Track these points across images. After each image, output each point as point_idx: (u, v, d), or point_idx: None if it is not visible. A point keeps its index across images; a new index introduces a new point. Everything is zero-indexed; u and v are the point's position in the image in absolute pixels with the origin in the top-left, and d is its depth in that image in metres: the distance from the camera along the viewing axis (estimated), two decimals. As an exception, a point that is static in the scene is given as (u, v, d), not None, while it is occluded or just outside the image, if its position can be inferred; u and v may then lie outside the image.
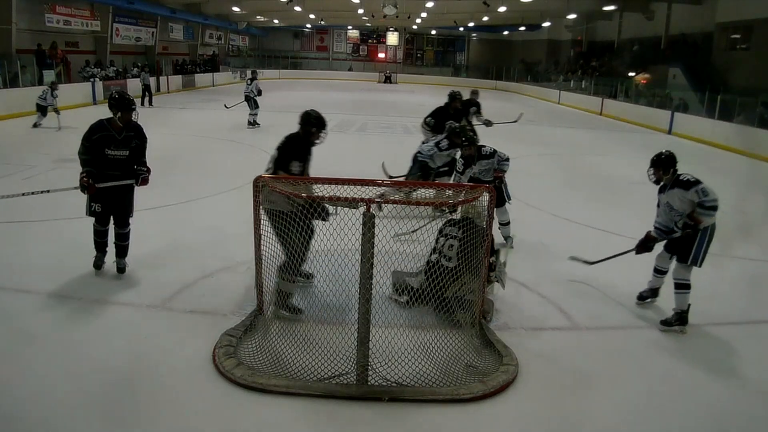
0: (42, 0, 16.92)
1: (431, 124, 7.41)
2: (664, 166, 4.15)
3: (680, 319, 4.08)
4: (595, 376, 3.50)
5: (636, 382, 3.47)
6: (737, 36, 19.25)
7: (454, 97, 7.78)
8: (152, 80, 22.67)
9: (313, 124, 4.10)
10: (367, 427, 2.97)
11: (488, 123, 9.97)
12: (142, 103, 17.16)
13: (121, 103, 4.30)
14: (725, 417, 3.19)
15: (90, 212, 4.45)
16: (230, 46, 35.89)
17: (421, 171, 6.51)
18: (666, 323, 4.11)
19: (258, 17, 32.80)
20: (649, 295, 4.54)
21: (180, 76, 24.90)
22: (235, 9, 28.12)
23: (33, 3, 16.71)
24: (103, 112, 4.51)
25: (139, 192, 4.66)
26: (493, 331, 3.90)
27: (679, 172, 4.15)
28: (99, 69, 19.38)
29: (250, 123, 13.64)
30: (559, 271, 4.98)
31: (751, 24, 18.15)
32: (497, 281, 4.26)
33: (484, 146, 5.58)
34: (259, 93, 13.63)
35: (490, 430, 2.99)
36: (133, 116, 4.39)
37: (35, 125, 12.45)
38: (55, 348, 3.52)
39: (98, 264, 4.63)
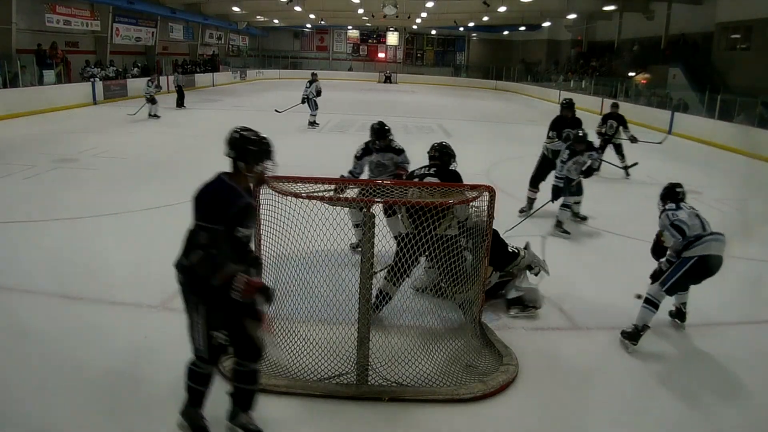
0: (42, 0, 16.91)
1: (554, 137, 7.06)
2: (662, 197, 4.11)
3: (630, 335, 3.81)
4: (595, 376, 3.50)
5: (635, 382, 3.47)
6: (737, 36, 19.24)
7: (566, 105, 7.36)
8: (162, 80, 22.71)
9: None
10: (367, 427, 2.97)
11: (633, 139, 9.80)
12: (177, 105, 17.26)
13: (266, 148, 2.70)
14: (725, 417, 3.19)
15: (209, 347, 2.65)
16: (230, 46, 35.87)
17: (557, 194, 6.43)
18: (623, 333, 3.87)
19: (258, 17, 32.79)
20: (676, 315, 4.26)
21: (180, 76, 24.87)
22: (235, 9, 28.11)
23: (33, 3, 16.70)
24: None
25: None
26: (493, 331, 3.90)
27: (668, 206, 3.98)
28: (99, 69, 19.38)
29: (310, 123, 13.79)
30: (560, 271, 4.97)
31: (751, 24, 18.14)
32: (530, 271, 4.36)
33: (394, 140, 5.50)
34: (318, 94, 13.73)
35: (490, 430, 2.99)
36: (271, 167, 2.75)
37: (154, 116, 14.36)
38: (54, 348, 3.52)
39: (199, 426, 2.80)
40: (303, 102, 13.75)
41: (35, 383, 3.14)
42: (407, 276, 3.89)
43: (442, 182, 3.98)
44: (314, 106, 13.74)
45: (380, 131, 5.33)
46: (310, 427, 2.94)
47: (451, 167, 4.27)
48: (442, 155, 4.30)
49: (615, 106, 10.14)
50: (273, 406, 3.04)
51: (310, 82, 13.83)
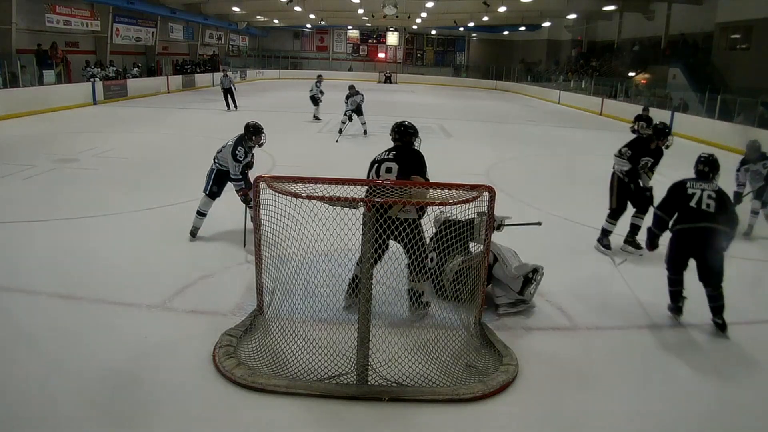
0: (42, 0, 16.91)
1: (626, 155, 5.88)
2: None
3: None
4: (595, 376, 3.50)
5: (636, 382, 3.47)
6: (737, 36, 19.26)
7: (662, 131, 6.20)
8: (162, 80, 22.71)
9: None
10: (367, 427, 2.96)
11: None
12: (234, 106, 17.12)
13: None
14: (725, 417, 3.19)
15: None
16: (230, 46, 35.89)
17: (738, 200, 6.51)
18: None
19: (258, 17, 32.80)
20: None
21: (180, 76, 24.90)
22: (235, 9, 28.11)
23: (33, 3, 16.70)
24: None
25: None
26: (493, 331, 3.90)
27: None
28: (99, 69, 19.38)
29: (365, 132, 13.42)
30: (559, 271, 4.97)
31: (751, 24, 18.15)
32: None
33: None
34: (356, 106, 13.15)
35: (490, 430, 2.99)
36: None
37: (315, 118, 14.99)
38: (55, 348, 3.52)
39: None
40: (350, 119, 13.16)
41: (35, 383, 3.14)
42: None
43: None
44: (359, 113, 13.26)
45: (259, 129, 5.56)
46: (310, 427, 2.94)
47: (416, 145, 4.18)
48: (402, 136, 4.18)
49: (646, 109, 12.50)
50: (273, 406, 3.04)
51: (347, 97, 13.23)
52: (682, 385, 3.46)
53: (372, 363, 3.24)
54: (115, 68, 20.43)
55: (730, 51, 19.46)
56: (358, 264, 4.01)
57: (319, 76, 15.65)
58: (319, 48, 42.56)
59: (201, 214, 5.59)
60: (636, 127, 11.88)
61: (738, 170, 6.65)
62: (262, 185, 3.52)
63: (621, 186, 5.81)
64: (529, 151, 12.19)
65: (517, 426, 3.03)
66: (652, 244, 4.39)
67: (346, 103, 13.23)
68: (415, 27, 38.33)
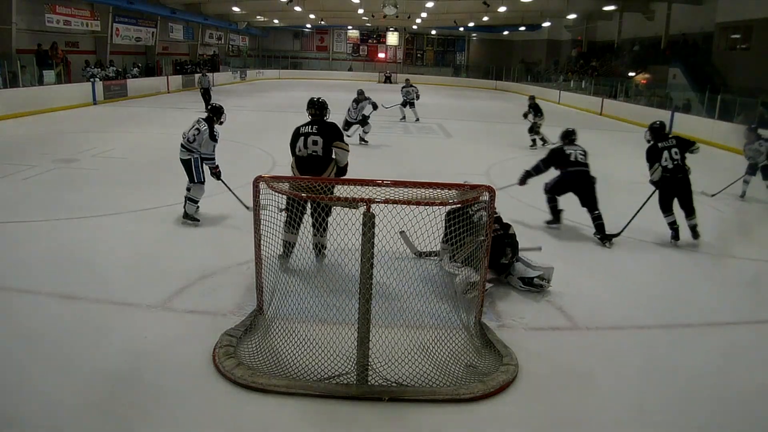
0: (42, 0, 16.92)
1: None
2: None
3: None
4: (595, 376, 3.50)
5: (636, 382, 3.47)
6: (737, 36, 19.26)
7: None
8: (162, 80, 22.65)
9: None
10: (367, 427, 2.96)
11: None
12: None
13: None
14: (725, 417, 3.19)
15: None
16: (230, 46, 35.89)
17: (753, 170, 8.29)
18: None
19: (258, 17, 32.80)
20: None
21: (180, 76, 24.91)
22: (235, 9, 28.11)
23: (33, 3, 16.71)
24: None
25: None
26: (493, 331, 3.90)
27: None
28: (99, 69, 19.38)
29: (362, 140, 12.39)
30: (559, 271, 4.97)
31: (751, 24, 18.15)
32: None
33: None
34: (363, 116, 12.15)
35: (490, 430, 2.99)
36: None
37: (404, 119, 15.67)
38: (55, 348, 3.52)
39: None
40: (348, 126, 11.93)
41: (35, 383, 3.14)
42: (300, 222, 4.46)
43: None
44: (365, 123, 12.22)
45: (222, 108, 6.32)
46: (310, 427, 2.94)
47: (327, 119, 4.91)
48: (320, 110, 4.89)
49: (532, 98, 13.09)
50: (273, 406, 3.04)
51: (356, 102, 12.02)
52: (682, 385, 3.46)
53: (372, 363, 3.24)
54: (115, 68, 20.44)
55: (730, 51, 19.45)
56: (286, 232, 4.39)
57: (407, 80, 16.10)
58: (319, 48, 42.56)
59: (196, 201, 6.11)
60: (528, 116, 12.79)
61: (743, 149, 8.48)
62: (262, 185, 3.52)
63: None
64: (529, 151, 12.18)
65: (517, 426, 3.03)
66: (524, 182, 6.43)
67: (354, 108, 12.00)
68: (415, 27, 38.33)
